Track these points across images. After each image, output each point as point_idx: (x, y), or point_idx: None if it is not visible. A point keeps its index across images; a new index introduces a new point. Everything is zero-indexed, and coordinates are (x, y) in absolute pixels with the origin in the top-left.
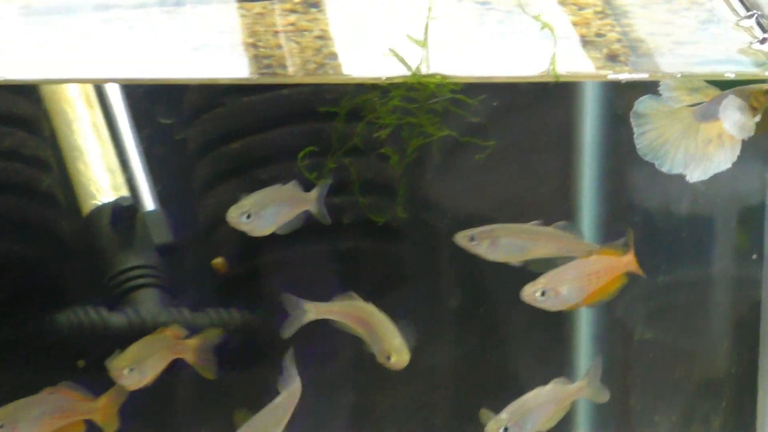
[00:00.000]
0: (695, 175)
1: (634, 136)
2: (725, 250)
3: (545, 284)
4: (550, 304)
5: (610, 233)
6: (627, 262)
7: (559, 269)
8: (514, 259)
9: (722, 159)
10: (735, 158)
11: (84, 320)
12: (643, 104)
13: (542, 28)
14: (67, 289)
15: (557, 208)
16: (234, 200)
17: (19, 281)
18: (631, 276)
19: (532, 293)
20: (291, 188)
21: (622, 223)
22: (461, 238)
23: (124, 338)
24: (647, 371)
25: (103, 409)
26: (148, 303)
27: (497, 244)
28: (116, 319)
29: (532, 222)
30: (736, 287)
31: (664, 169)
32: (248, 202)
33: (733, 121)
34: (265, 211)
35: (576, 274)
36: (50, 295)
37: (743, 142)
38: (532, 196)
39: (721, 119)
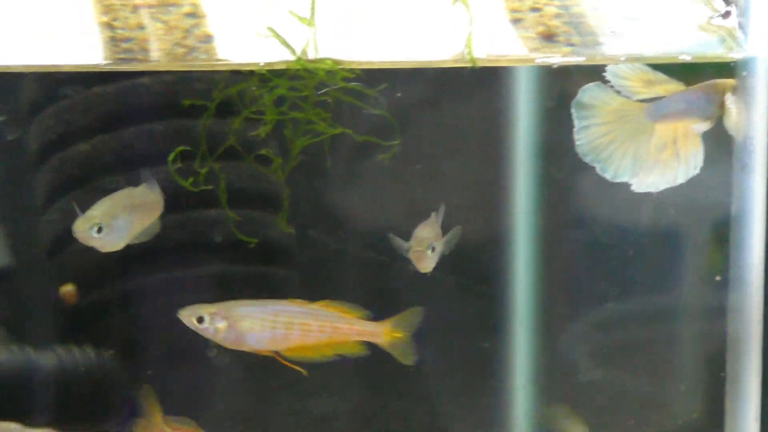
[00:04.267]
0: (644, 185)
1: (575, 130)
2: (684, 270)
3: (216, 314)
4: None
5: (549, 251)
6: (373, 333)
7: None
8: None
9: (678, 171)
10: (693, 172)
11: None
12: (588, 94)
13: (454, 1)
14: None
15: (479, 220)
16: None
17: None
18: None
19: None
20: (143, 190)
21: (562, 240)
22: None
23: None
24: (596, 418)
25: None
26: None
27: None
28: None
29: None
30: (698, 316)
31: (608, 175)
32: (97, 212)
33: (734, 118)
34: (117, 221)
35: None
36: None
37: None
38: (448, 206)
39: (724, 116)
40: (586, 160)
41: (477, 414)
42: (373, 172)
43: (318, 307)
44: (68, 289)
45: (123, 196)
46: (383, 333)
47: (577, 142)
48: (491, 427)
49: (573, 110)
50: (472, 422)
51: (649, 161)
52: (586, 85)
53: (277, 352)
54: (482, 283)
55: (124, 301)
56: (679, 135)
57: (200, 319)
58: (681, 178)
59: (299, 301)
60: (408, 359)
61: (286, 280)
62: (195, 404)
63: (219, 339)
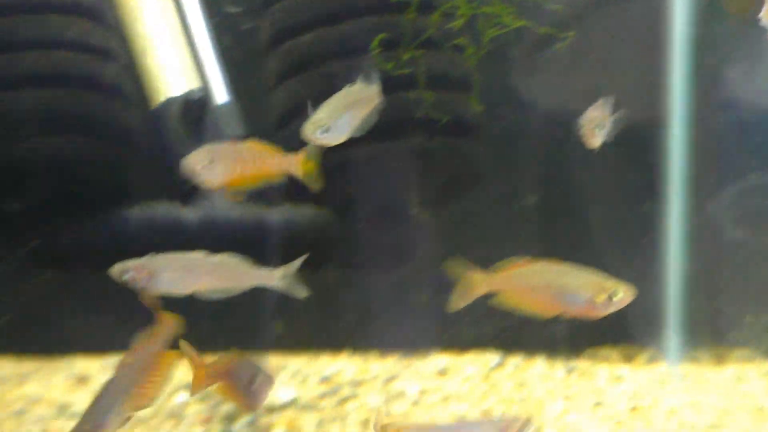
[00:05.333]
0: None
1: None
2: None
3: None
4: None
5: (701, 129)
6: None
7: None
8: (178, 292)
9: None
10: None
11: (156, 215)
12: None
13: None
14: (138, 184)
15: (642, 102)
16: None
17: (89, 177)
18: (725, 175)
19: None
20: (361, 87)
21: (712, 120)
22: (115, 272)
23: (196, 233)
24: (738, 272)
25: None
26: (221, 198)
27: (157, 278)
28: (189, 213)
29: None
30: None
31: None
32: (322, 115)
33: None
34: (340, 120)
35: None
36: (121, 191)
37: None
38: (616, 93)
39: None
40: None
41: (636, 267)
42: (551, 61)
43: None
44: None
45: (343, 96)
46: (297, 162)
47: None
48: (647, 279)
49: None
50: (632, 274)
51: None
52: None
53: None
54: (643, 155)
55: (341, 167)
56: None
57: None
58: None
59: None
60: (317, 185)
61: (475, 152)
62: (398, 255)
63: None
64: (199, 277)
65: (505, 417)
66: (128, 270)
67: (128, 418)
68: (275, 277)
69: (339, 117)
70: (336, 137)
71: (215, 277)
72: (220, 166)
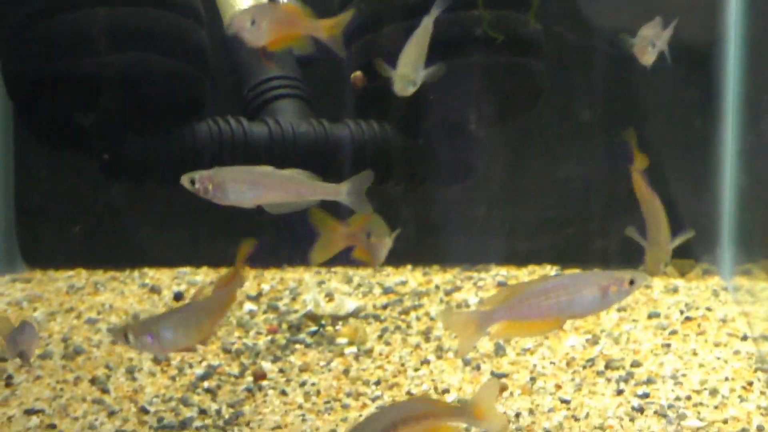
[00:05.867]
0: None
1: None
2: None
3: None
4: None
5: (756, 51)
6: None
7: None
8: (244, 204)
9: None
10: None
11: (225, 130)
12: None
13: None
14: (207, 99)
15: (697, 22)
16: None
17: (160, 92)
18: None
19: None
20: (422, 30)
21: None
22: (184, 181)
23: (263, 147)
24: None
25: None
26: (288, 113)
27: (224, 189)
28: (257, 128)
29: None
30: None
31: None
32: (407, 70)
33: None
34: (422, 70)
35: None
36: (190, 106)
37: None
38: (672, 11)
39: None
40: None
41: (691, 182)
42: None
43: None
44: (357, 74)
45: (415, 43)
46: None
47: None
48: (702, 194)
49: None
50: (687, 189)
51: None
52: None
53: None
54: (697, 71)
55: None
56: None
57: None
58: None
59: None
60: (340, 51)
61: (533, 68)
62: (458, 171)
63: None
64: (266, 190)
65: (615, 272)
66: (196, 180)
67: (186, 349)
68: (341, 192)
69: (420, 66)
70: (418, 83)
71: (281, 190)
72: (262, 26)
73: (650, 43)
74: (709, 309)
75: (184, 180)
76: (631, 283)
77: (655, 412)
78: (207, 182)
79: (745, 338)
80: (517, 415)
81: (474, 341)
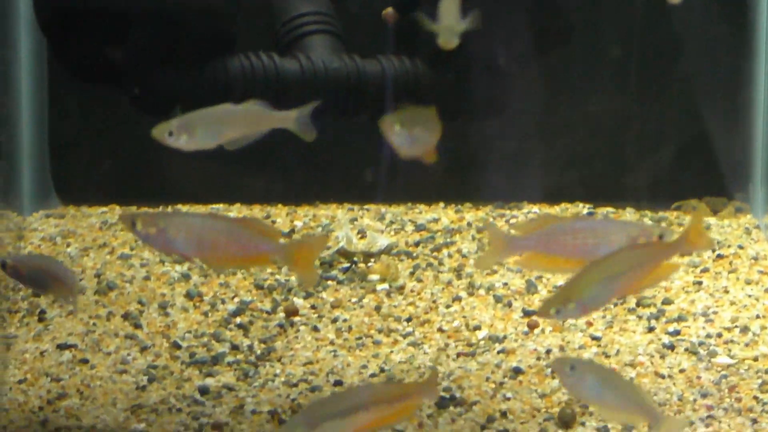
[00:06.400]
0: None
1: None
2: None
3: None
4: None
5: None
6: None
7: None
8: (210, 145)
9: None
10: None
11: (257, 65)
12: None
13: None
14: (239, 35)
15: None
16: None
17: (191, 27)
18: None
19: None
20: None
21: None
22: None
23: (295, 83)
24: None
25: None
26: (320, 49)
27: (193, 136)
28: (289, 64)
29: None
30: None
31: None
32: (452, 23)
33: None
34: (462, 21)
35: None
36: (222, 41)
37: None
38: None
39: None
40: None
41: (723, 120)
42: None
43: None
44: (389, 11)
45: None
46: None
47: None
48: (734, 133)
49: None
50: (720, 128)
51: None
52: None
53: None
54: (731, 6)
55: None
56: None
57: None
58: None
59: None
60: None
61: (564, 6)
62: (489, 107)
63: None
64: (231, 127)
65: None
66: (174, 131)
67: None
68: (290, 119)
69: (460, 16)
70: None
71: (239, 125)
72: None
73: None
74: (741, 247)
75: (159, 134)
76: (660, 237)
77: (686, 350)
78: (182, 131)
79: None
80: (548, 352)
81: (495, 260)
